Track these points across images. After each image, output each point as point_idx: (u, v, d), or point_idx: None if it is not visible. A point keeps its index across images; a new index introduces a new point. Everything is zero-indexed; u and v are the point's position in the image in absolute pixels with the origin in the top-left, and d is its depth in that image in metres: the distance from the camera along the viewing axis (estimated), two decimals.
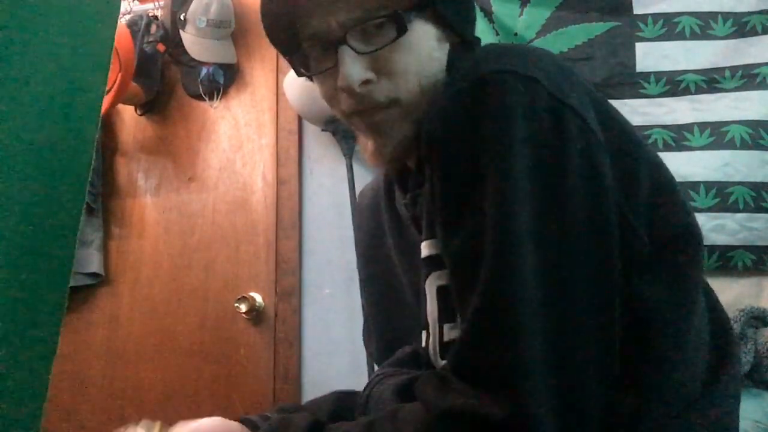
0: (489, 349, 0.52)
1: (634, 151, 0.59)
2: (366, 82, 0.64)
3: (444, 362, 0.63)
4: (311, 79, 0.75)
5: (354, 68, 0.63)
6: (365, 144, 0.72)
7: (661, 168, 0.62)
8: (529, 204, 0.52)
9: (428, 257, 0.66)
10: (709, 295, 0.66)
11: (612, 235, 0.55)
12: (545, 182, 0.53)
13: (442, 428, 0.53)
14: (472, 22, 0.73)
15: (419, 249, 0.70)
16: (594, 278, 0.53)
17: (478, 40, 0.74)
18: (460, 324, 0.57)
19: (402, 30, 0.62)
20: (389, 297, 0.89)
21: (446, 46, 0.68)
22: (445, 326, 0.66)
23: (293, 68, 0.75)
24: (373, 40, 0.63)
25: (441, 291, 0.65)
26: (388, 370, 0.82)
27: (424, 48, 0.65)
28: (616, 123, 0.60)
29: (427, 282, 0.66)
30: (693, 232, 0.61)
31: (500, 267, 0.51)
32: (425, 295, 0.68)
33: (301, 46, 0.69)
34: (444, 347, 0.67)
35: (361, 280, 0.95)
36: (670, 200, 0.61)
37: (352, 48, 0.63)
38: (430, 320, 0.67)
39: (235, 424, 0.70)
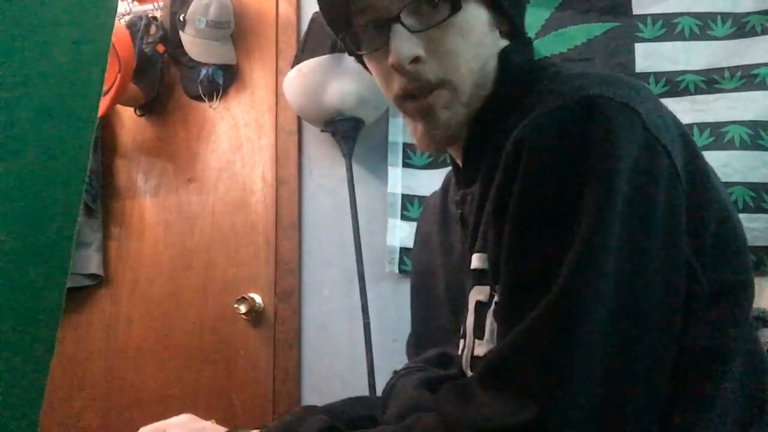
0: (539, 354, 0.52)
1: (707, 198, 0.60)
2: (416, 60, 0.64)
3: (472, 374, 0.64)
4: (362, 61, 0.74)
5: (405, 45, 0.63)
6: (415, 128, 0.72)
7: (729, 216, 0.62)
8: (618, 235, 0.52)
9: (476, 270, 0.66)
10: (757, 343, 0.66)
11: (681, 278, 0.55)
12: (636, 218, 0.53)
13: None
14: (523, 12, 0.73)
15: (464, 253, 0.70)
16: (660, 318, 0.54)
17: (530, 38, 0.75)
18: (504, 334, 0.57)
19: (457, 7, 0.63)
20: (426, 299, 0.90)
21: (496, 33, 0.69)
22: (476, 341, 0.67)
23: (345, 47, 0.74)
24: (426, 19, 0.64)
25: (478, 306, 0.66)
26: (415, 365, 0.83)
27: (476, 31, 0.66)
28: (698, 167, 0.61)
29: (471, 294, 0.67)
30: (748, 285, 0.62)
31: (579, 286, 0.51)
32: (467, 305, 0.68)
33: (354, 24, 0.69)
34: (474, 361, 0.67)
35: (411, 285, 0.96)
36: (732, 253, 0.61)
37: (404, 26, 0.63)
38: (468, 331, 0.68)
39: (206, 423, 0.71)
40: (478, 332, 0.66)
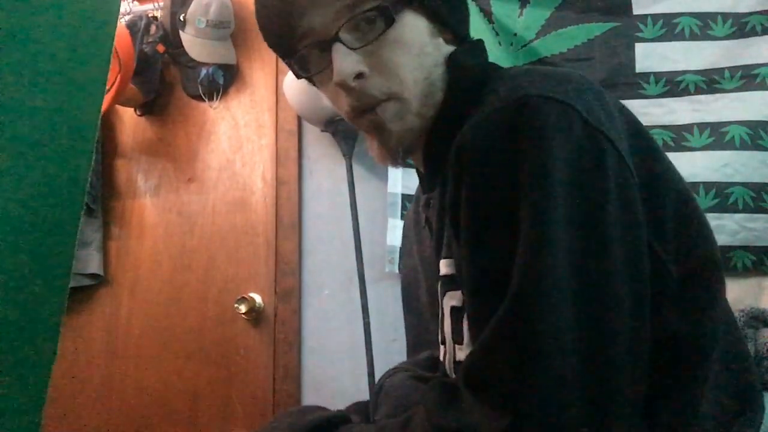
0: (506, 358, 0.51)
1: (663, 183, 0.60)
2: (359, 75, 0.64)
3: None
4: (312, 82, 0.76)
5: (346, 62, 0.64)
6: (371, 143, 0.72)
7: (687, 198, 0.62)
8: (565, 226, 0.52)
9: (446, 276, 0.67)
10: (737, 333, 0.66)
11: (644, 267, 0.55)
12: (583, 207, 0.53)
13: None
14: (464, 18, 0.73)
15: (433, 259, 0.70)
16: (627, 305, 0.53)
17: (479, 40, 0.75)
18: (476, 338, 0.56)
19: (389, 21, 0.63)
20: (412, 305, 0.90)
21: (440, 41, 0.69)
22: (456, 346, 0.67)
23: (293, 71, 0.76)
24: (365, 35, 0.64)
25: (454, 311, 0.66)
26: (403, 366, 0.83)
27: (416, 41, 0.66)
28: (650, 151, 0.61)
29: (444, 300, 0.67)
30: (716, 266, 0.62)
31: (532, 282, 0.51)
32: (443, 311, 0.68)
33: (298, 49, 0.70)
34: (456, 365, 0.67)
35: (401, 294, 0.97)
36: (695, 232, 0.61)
37: (344, 44, 0.64)
38: (447, 337, 0.68)
39: None
40: (457, 337, 0.66)
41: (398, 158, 0.71)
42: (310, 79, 0.75)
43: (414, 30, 0.66)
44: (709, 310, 0.59)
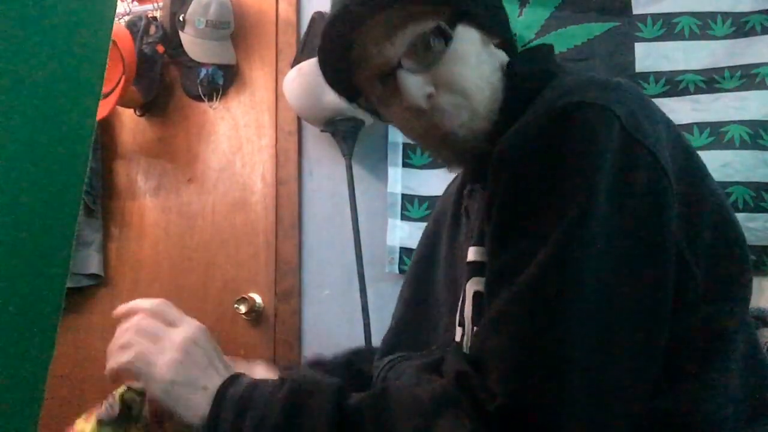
0: (505, 343, 0.53)
1: (703, 198, 0.61)
2: (429, 96, 0.69)
3: None
4: (377, 114, 0.81)
5: (414, 86, 0.68)
6: (443, 155, 0.77)
7: (727, 217, 0.63)
8: (596, 229, 0.53)
9: (473, 262, 0.69)
10: (757, 344, 0.66)
11: (668, 273, 0.56)
12: (613, 211, 0.54)
13: (452, 392, 0.54)
14: (506, 21, 0.78)
15: (464, 244, 0.73)
16: (643, 310, 0.54)
17: (540, 46, 0.79)
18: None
19: (448, 38, 0.68)
20: (420, 286, 0.90)
21: (491, 48, 0.74)
22: (476, 328, 0.68)
23: (364, 110, 0.83)
24: (425, 57, 0.69)
25: (477, 296, 0.68)
26: (398, 356, 0.83)
27: (472, 53, 0.71)
28: (692, 167, 0.62)
29: (468, 284, 0.69)
30: (745, 284, 0.63)
31: (554, 269, 0.53)
32: (465, 294, 0.70)
33: (360, 85, 0.75)
34: None
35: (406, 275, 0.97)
36: (729, 251, 0.62)
37: (408, 70, 0.68)
38: (466, 319, 0.69)
39: (182, 315, 0.69)
40: (478, 320, 0.68)
41: (472, 161, 0.75)
42: (375, 111, 0.80)
43: (469, 42, 0.71)
44: (730, 320, 0.59)
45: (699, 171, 0.63)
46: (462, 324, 0.70)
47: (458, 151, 0.73)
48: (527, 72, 0.72)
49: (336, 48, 0.73)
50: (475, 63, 0.70)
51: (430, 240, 0.93)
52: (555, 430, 0.50)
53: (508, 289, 0.55)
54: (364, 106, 0.81)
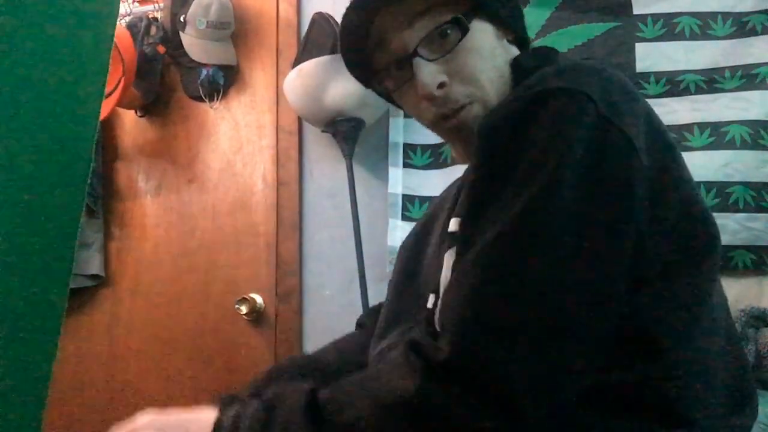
0: (458, 300, 0.56)
1: (673, 184, 0.62)
2: (441, 85, 0.71)
3: None
4: (391, 99, 0.84)
5: (429, 74, 0.71)
6: (454, 147, 0.80)
7: (695, 200, 0.64)
8: (557, 199, 0.55)
9: (454, 232, 0.71)
10: (732, 335, 0.67)
11: (624, 251, 0.57)
12: (577, 185, 0.55)
13: (406, 356, 0.57)
14: (521, 18, 0.80)
15: (447, 220, 0.75)
16: (596, 281, 0.55)
17: (544, 47, 0.80)
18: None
19: (465, 30, 0.71)
20: (403, 285, 0.90)
21: (505, 42, 0.77)
22: None
23: (378, 93, 0.86)
24: (441, 46, 0.72)
25: (455, 265, 0.69)
26: (387, 345, 0.84)
27: (487, 46, 0.74)
28: (668, 151, 0.63)
29: (447, 253, 0.70)
30: (712, 269, 0.63)
31: (514, 234, 0.55)
32: (442, 264, 0.71)
33: (379, 73, 0.78)
34: None
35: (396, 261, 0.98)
36: (695, 233, 0.62)
37: (423, 57, 0.71)
38: (441, 286, 0.71)
39: (170, 415, 0.72)
40: None
41: None
42: (389, 96, 0.83)
43: (484, 36, 0.74)
44: (695, 307, 0.60)
45: (675, 162, 0.64)
46: (436, 291, 0.71)
47: (469, 141, 0.74)
48: (532, 66, 0.74)
49: (356, 31, 0.76)
50: (488, 56, 0.73)
51: (421, 230, 0.94)
52: (498, 387, 0.51)
53: (468, 255, 0.57)
54: (378, 90, 0.83)
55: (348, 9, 0.75)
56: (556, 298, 0.54)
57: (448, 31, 0.71)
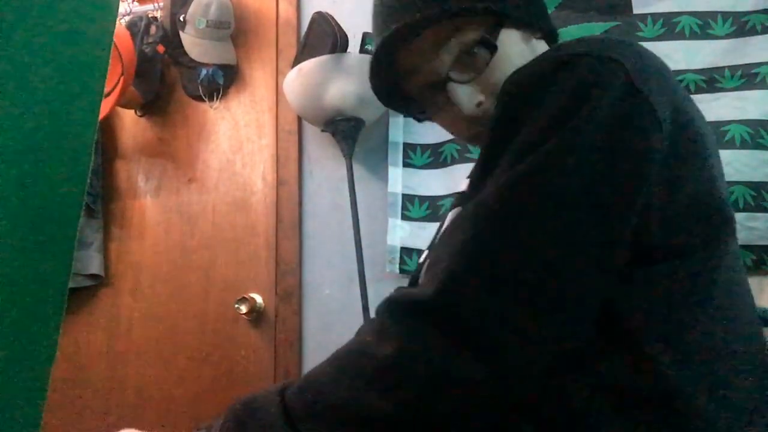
0: (450, 249, 0.55)
1: (692, 163, 0.60)
2: (479, 104, 0.72)
3: None
4: (420, 119, 0.85)
5: (466, 97, 0.71)
6: None
7: (714, 189, 0.62)
8: (569, 160, 0.54)
9: (463, 192, 0.71)
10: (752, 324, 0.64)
11: (624, 227, 0.55)
12: (593, 151, 0.54)
13: (381, 313, 0.57)
14: (544, 12, 0.79)
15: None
16: (592, 254, 0.54)
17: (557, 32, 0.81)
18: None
19: (493, 49, 0.70)
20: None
21: (532, 42, 0.76)
22: None
23: (413, 117, 0.86)
24: (472, 66, 0.71)
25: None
26: None
27: (515, 53, 0.73)
28: (691, 129, 0.61)
29: (452, 211, 0.70)
30: (717, 247, 0.61)
31: (521, 188, 0.54)
32: (444, 221, 0.72)
33: (407, 93, 0.78)
34: None
35: None
36: (706, 216, 0.61)
37: (457, 81, 0.71)
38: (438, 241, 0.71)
39: None
40: None
41: None
42: (427, 118, 0.83)
43: (512, 45, 0.73)
44: (704, 290, 0.59)
45: (701, 138, 0.62)
46: (431, 247, 0.72)
47: None
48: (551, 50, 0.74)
49: (385, 66, 0.76)
50: (519, 63, 0.71)
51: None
52: (480, 332, 0.51)
53: (471, 203, 0.57)
54: (415, 116, 0.84)
55: (375, 49, 0.75)
56: (551, 257, 0.53)
57: (477, 51, 0.71)
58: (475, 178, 0.62)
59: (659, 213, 0.57)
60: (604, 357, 0.55)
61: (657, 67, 0.61)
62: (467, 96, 0.71)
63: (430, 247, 0.73)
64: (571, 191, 0.54)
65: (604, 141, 0.54)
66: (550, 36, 0.79)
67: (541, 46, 0.77)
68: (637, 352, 0.55)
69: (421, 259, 0.73)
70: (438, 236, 0.71)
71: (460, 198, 0.70)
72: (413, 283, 0.80)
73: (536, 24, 0.76)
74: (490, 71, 0.71)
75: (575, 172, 0.54)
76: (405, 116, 0.89)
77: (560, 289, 0.53)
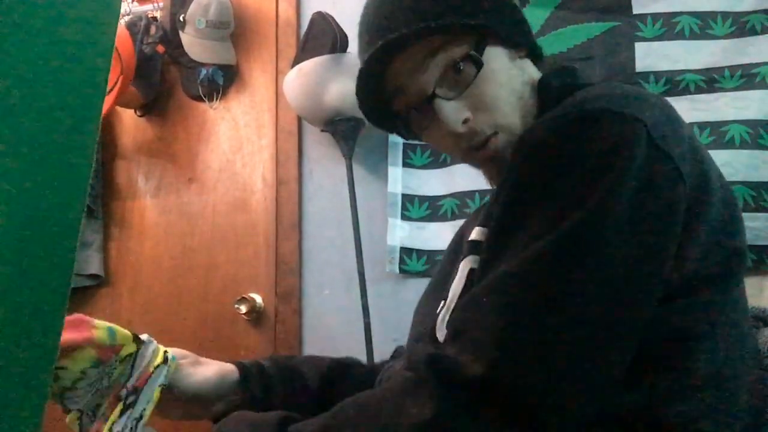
0: (487, 313, 0.54)
1: (708, 201, 0.61)
2: (465, 120, 0.71)
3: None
4: (412, 138, 0.84)
5: (452, 114, 0.71)
6: (489, 173, 0.80)
7: (735, 235, 0.64)
8: (604, 227, 0.54)
9: (474, 241, 0.71)
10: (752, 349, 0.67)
11: (660, 278, 0.57)
12: (625, 216, 0.55)
13: (417, 375, 0.54)
14: (528, 30, 0.80)
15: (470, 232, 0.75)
16: (631, 314, 0.55)
17: (568, 66, 0.81)
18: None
19: (479, 65, 0.70)
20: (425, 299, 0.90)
21: (517, 60, 0.76)
22: (460, 302, 0.69)
23: (402, 137, 0.88)
24: (458, 82, 0.71)
25: (471, 273, 0.69)
26: (391, 363, 0.84)
27: (502, 71, 0.73)
28: (705, 177, 0.62)
29: (464, 262, 0.70)
30: (732, 284, 0.64)
31: (559, 255, 0.54)
32: (456, 272, 0.71)
33: (397, 114, 0.78)
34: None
35: None
36: (724, 249, 0.62)
37: (443, 98, 0.71)
38: (452, 294, 0.70)
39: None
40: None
41: None
42: (415, 137, 0.82)
43: (498, 61, 0.73)
44: (718, 322, 0.60)
45: (710, 181, 0.63)
46: (445, 298, 0.71)
47: (502, 167, 0.73)
48: (560, 85, 0.74)
49: (372, 81, 0.75)
50: (506, 80, 0.73)
51: (453, 246, 0.93)
52: (530, 408, 0.51)
53: (502, 267, 0.56)
54: (403, 134, 0.84)
55: (361, 68, 0.75)
56: (598, 319, 0.53)
57: (463, 68, 0.71)
58: (496, 232, 0.61)
59: (680, 258, 0.59)
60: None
61: (668, 115, 0.62)
62: (454, 112, 0.71)
63: (444, 297, 0.71)
64: (610, 257, 0.54)
65: (635, 204, 0.55)
66: (534, 54, 0.80)
67: (526, 65, 0.78)
68: (647, 389, 0.57)
69: (438, 310, 0.72)
70: (451, 279, 0.70)
71: (472, 246, 0.69)
72: (417, 324, 0.81)
73: (521, 42, 0.77)
74: (476, 87, 0.71)
75: (612, 238, 0.54)
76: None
77: (609, 352, 0.54)
